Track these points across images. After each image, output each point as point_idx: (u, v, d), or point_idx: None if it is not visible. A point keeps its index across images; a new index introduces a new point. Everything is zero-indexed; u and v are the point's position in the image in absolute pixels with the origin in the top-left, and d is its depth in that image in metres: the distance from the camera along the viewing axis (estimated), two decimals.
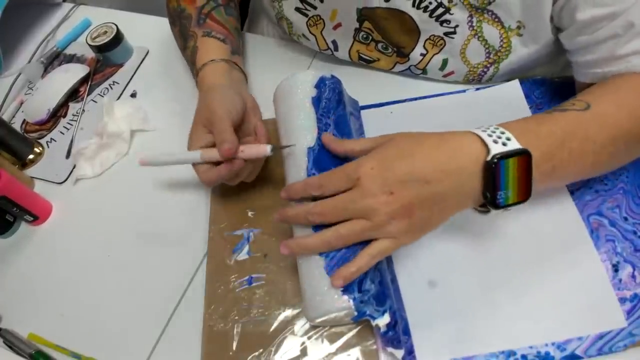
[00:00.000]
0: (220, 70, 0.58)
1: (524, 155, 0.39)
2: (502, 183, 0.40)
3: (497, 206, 0.40)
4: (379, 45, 0.62)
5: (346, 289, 0.41)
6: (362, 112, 0.61)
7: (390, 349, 0.43)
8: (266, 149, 0.48)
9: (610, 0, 0.45)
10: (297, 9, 0.63)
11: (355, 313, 0.41)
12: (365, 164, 0.41)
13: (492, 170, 0.39)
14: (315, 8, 0.61)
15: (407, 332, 0.45)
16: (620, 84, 0.47)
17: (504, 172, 0.39)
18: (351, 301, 0.41)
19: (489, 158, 0.39)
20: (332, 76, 0.53)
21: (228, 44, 0.62)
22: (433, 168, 0.40)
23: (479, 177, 0.40)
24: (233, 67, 0.60)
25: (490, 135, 0.40)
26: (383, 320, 0.42)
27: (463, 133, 0.42)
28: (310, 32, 0.65)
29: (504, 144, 0.39)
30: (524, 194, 0.41)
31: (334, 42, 0.65)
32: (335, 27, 0.62)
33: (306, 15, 0.63)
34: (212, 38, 0.61)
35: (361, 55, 0.65)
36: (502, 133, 0.40)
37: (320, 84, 0.51)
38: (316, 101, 0.50)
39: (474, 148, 0.40)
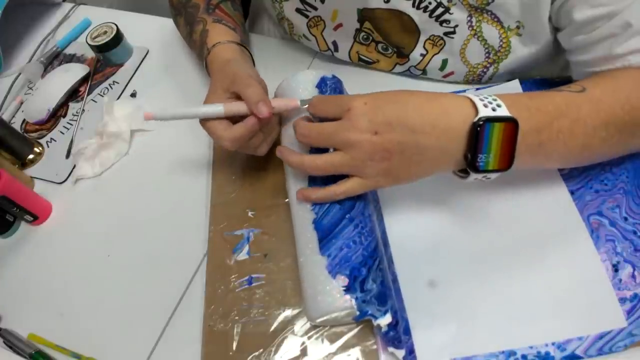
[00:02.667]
0: (234, 49, 0.57)
1: (510, 123, 0.40)
2: (485, 146, 0.40)
3: (476, 169, 0.41)
4: (379, 45, 0.62)
5: (348, 289, 0.41)
6: None
7: (391, 349, 0.43)
8: (296, 101, 0.48)
9: (607, 0, 0.45)
10: (298, 10, 0.63)
11: (358, 313, 0.41)
12: (359, 99, 0.42)
13: (477, 132, 0.39)
14: (315, 9, 0.61)
15: (407, 332, 0.45)
16: (619, 74, 0.47)
17: (488, 135, 0.40)
18: (353, 301, 0.41)
19: (475, 119, 0.39)
20: (333, 76, 0.53)
21: (238, 33, 0.61)
22: (422, 120, 0.40)
23: (464, 137, 0.40)
24: (244, 51, 0.60)
25: (482, 100, 0.41)
26: (385, 320, 0.42)
27: (457, 95, 0.42)
28: (310, 33, 0.65)
29: (494, 110, 0.40)
30: (506, 162, 0.41)
31: (334, 43, 0.65)
32: (336, 28, 0.62)
33: (307, 16, 0.63)
34: (222, 25, 0.61)
35: (361, 56, 0.65)
36: (494, 100, 0.41)
37: (322, 83, 0.51)
38: None
39: (465, 109, 0.41)
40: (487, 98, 0.41)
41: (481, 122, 0.39)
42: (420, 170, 0.43)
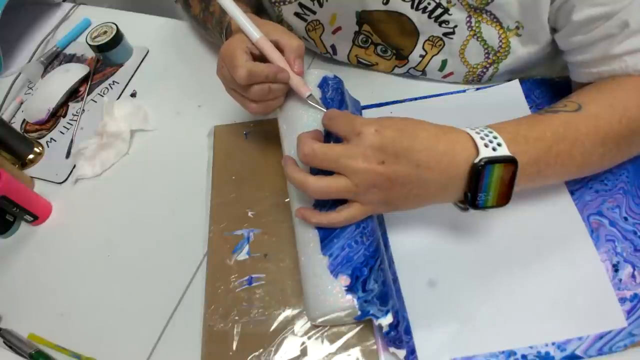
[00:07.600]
0: (255, 18, 0.55)
1: (510, 163, 0.40)
2: (485, 186, 0.40)
3: (475, 207, 0.41)
4: (378, 48, 0.62)
5: (350, 289, 0.41)
6: (363, 112, 0.61)
7: (392, 349, 0.43)
8: (307, 92, 0.48)
9: (606, 0, 0.45)
10: (297, 14, 0.63)
11: (359, 313, 0.41)
12: (372, 124, 0.41)
13: (477, 173, 0.40)
14: (314, 13, 0.61)
15: (408, 332, 0.45)
16: (614, 85, 0.47)
17: (488, 176, 0.40)
18: (355, 301, 0.41)
19: (476, 160, 0.40)
20: (335, 76, 0.53)
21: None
22: (428, 156, 0.41)
23: (464, 176, 0.41)
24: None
25: (482, 139, 0.41)
26: (386, 320, 0.42)
27: (459, 131, 0.42)
28: (309, 37, 0.65)
29: (494, 149, 0.40)
30: (504, 199, 0.42)
31: (332, 46, 0.65)
32: (334, 31, 0.62)
33: (305, 20, 0.63)
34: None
35: (360, 59, 0.65)
36: (495, 138, 0.41)
37: (324, 83, 0.51)
38: (320, 101, 0.50)
39: (466, 148, 0.41)
40: (487, 136, 0.41)
41: (482, 164, 0.39)
42: (419, 202, 0.44)
